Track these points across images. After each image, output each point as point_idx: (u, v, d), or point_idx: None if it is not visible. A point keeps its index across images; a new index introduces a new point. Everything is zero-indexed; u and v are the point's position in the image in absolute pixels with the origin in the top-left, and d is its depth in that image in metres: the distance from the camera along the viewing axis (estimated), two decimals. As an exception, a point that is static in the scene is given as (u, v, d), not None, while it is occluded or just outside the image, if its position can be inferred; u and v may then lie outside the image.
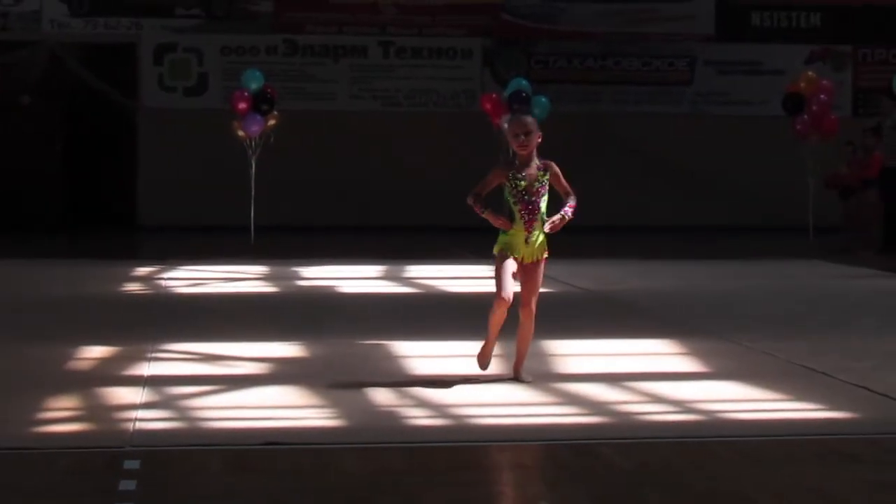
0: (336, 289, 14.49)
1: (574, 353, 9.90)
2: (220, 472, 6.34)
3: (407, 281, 15.35)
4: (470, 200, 8.58)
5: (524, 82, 19.91)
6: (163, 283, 14.81)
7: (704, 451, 6.81)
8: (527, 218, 8.46)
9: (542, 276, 8.63)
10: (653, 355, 9.93)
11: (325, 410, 7.79)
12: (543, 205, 8.50)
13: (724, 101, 24.08)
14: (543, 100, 19.56)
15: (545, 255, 8.59)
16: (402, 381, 8.73)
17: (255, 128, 19.61)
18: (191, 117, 22.60)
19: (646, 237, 21.30)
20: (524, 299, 8.61)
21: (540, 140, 8.62)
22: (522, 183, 8.46)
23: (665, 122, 23.70)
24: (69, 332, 10.77)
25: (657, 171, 23.32)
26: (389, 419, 7.64)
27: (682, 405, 8.00)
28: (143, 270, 15.95)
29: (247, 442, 6.86)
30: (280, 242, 19.62)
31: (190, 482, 6.13)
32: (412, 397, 8.21)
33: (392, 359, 9.65)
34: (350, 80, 23.38)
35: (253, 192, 19.92)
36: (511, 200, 8.50)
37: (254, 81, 19.85)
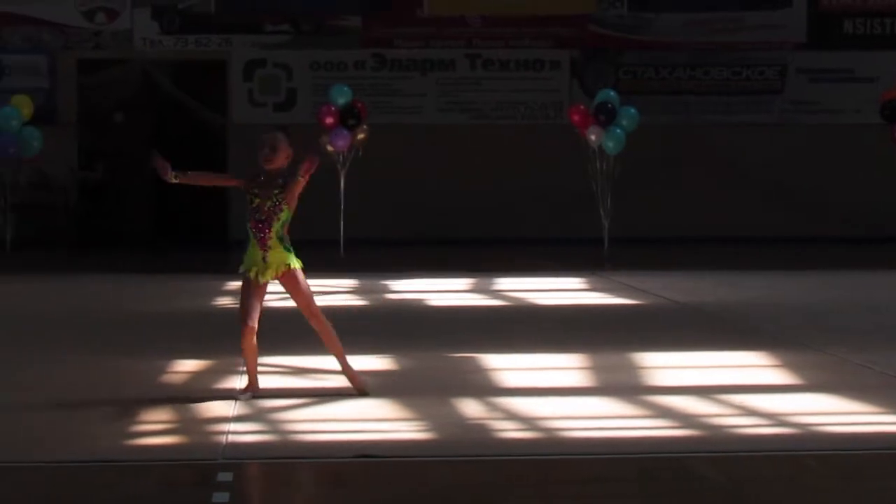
0: (425, 302, 14.51)
1: (665, 366, 9.84)
2: (311, 485, 6.37)
3: (496, 294, 15.33)
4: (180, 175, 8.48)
5: (612, 93, 19.84)
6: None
7: (797, 465, 6.73)
8: (259, 236, 8.39)
9: (303, 284, 8.49)
10: (745, 367, 9.84)
11: (416, 423, 7.79)
12: (278, 224, 8.40)
13: (815, 109, 23.82)
14: (632, 111, 19.48)
15: (295, 266, 8.46)
16: (491, 393, 8.72)
17: (342, 142, 19.69)
18: (282, 133, 22.71)
19: (736, 248, 21.12)
20: (304, 312, 8.58)
21: (289, 158, 8.46)
22: (256, 200, 8.38)
23: (755, 131, 23.49)
24: (162, 346, 10.87)
25: (747, 182, 23.10)
26: (479, 432, 7.63)
27: (774, 418, 7.91)
28: (234, 285, 16.03)
29: (338, 455, 6.88)
30: (369, 256, 19.69)
31: (281, 495, 6.16)
32: (502, 410, 8.20)
33: (482, 371, 9.64)
34: (437, 94, 23.42)
35: (342, 206, 19.99)
36: (247, 215, 8.43)
37: (341, 96, 19.94)
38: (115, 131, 22.93)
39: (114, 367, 9.76)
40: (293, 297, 8.59)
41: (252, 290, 8.42)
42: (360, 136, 19.77)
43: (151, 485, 6.30)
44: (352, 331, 11.99)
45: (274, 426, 7.81)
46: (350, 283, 16.20)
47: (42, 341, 11.28)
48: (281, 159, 8.43)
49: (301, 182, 8.39)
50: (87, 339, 11.44)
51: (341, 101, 19.82)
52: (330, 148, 19.82)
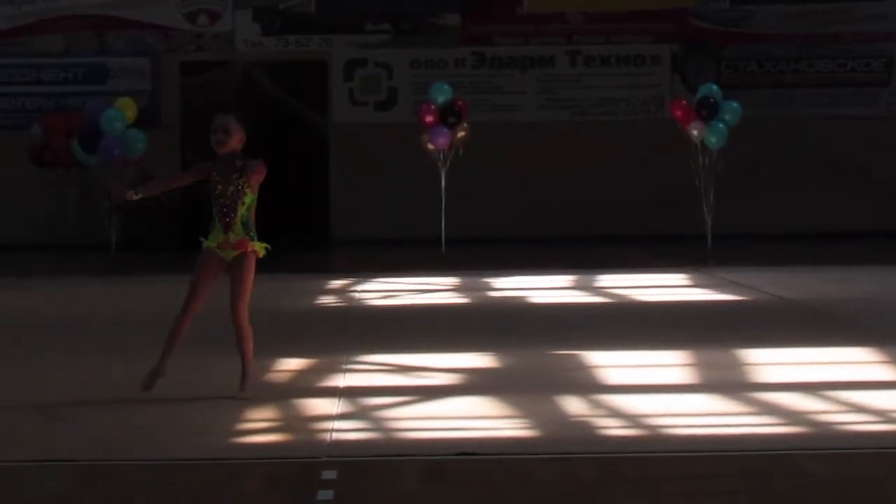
0: (527, 299, 14.48)
1: (771, 363, 9.73)
2: (414, 482, 6.38)
3: (598, 290, 15.25)
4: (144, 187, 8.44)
5: (714, 88, 19.66)
6: (356, 295, 14.97)
7: (907, 462, 6.63)
8: (224, 220, 8.36)
9: (248, 272, 8.49)
10: (852, 364, 9.70)
11: (518, 421, 7.78)
12: (243, 209, 8.37)
13: (922, 101, 23.45)
14: (734, 105, 19.28)
15: (254, 250, 8.47)
16: (594, 390, 8.67)
17: (443, 140, 19.71)
18: (381, 131, 22.82)
19: (842, 243, 20.84)
20: (231, 300, 8.55)
21: (241, 142, 8.39)
22: (218, 187, 8.31)
23: (860, 125, 23.17)
24: (266, 345, 10.93)
25: (852, 176, 22.80)
26: (582, 429, 7.59)
27: (883, 414, 7.80)
28: (336, 283, 16.14)
29: (441, 452, 6.88)
30: (471, 253, 19.68)
31: (385, 492, 6.17)
32: (605, 407, 8.15)
33: (584, 369, 9.60)
34: (538, 91, 23.36)
35: (443, 204, 20.01)
36: (212, 201, 8.34)
37: (441, 95, 19.96)
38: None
39: (218, 366, 9.84)
40: (231, 280, 8.48)
41: (208, 267, 8.43)
42: (461, 134, 19.77)
43: (257, 483, 6.34)
44: (454, 329, 12.01)
45: (377, 423, 7.84)
46: (452, 281, 16.20)
47: (148, 342, 11.40)
48: (234, 142, 8.40)
49: (254, 183, 8.33)
50: (191, 338, 11.52)
51: (441, 99, 19.84)
52: (430, 146, 19.86)
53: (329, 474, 6.40)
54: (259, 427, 7.70)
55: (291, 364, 9.95)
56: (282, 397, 8.46)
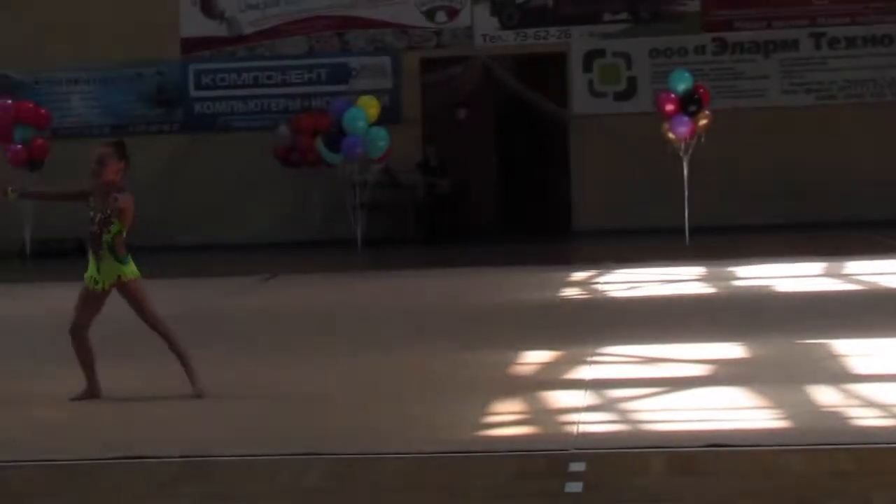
0: (773, 287, 14.21)
1: None
2: (663, 475, 6.32)
3: (846, 277, 14.89)
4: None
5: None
6: (599, 287, 14.92)
7: None
8: (92, 246, 8.46)
9: (135, 294, 8.52)
10: None
11: (768, 411, 7.65)
12: (108, 236, 8.43)
13: None
14: None
15: (126, 277, 8.48)
16: (846, 380, 8.47)
17: (684, 129, 19.51)
18: (621, 122, 22.71)
19: None
20: (146, 323, 8.59)
21: (119, 172, 8.48)
22: (91, 212, 8.45)
23: None
24: (509, 338, 10.99)
25: None
26: (835, 420, 7.43)
27: None
28: (579, 275, 16.11)
29: (690, 444, 6.81)
30: (715, 242, 19.43)
31: (634, 484, 6.14)
32: (858, 397, 7.96)
33: (834, 358, 9.38)
34: (781, 75, 22.92)
35: (686, 193, 19.81)
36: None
37: (681, 83, 19.76)
38: (458, 128, 23.35)
39: (464, 359, 9.93)
40: (130, 306, 8.67)
41: (86, 298, 8.63)
42: (702, 122, 19.54)
43: (505, 475, 6.37)
44: (700, 319, 11.87)
45: (624, 415, 7.80)
46: (696, 270, 16.02)
47: (398, 335, 11.58)
48: (109, 173, 8.55)
49: (120, 211, 8.46)
50: (437, 331, 11.67)
51: (682, 87, 19.64)
52: (671, 135, 19.69)
53: (577, 466, 6.39)
54: (506, 420, 7.74)
55: (537, 357, 9.97)
56: (528, 390, 8.48)
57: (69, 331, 8.63)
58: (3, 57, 23.56)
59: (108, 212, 8.47)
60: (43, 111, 21.85)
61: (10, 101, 21.65)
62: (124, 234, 8.58)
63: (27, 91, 23.26)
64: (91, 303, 8.61)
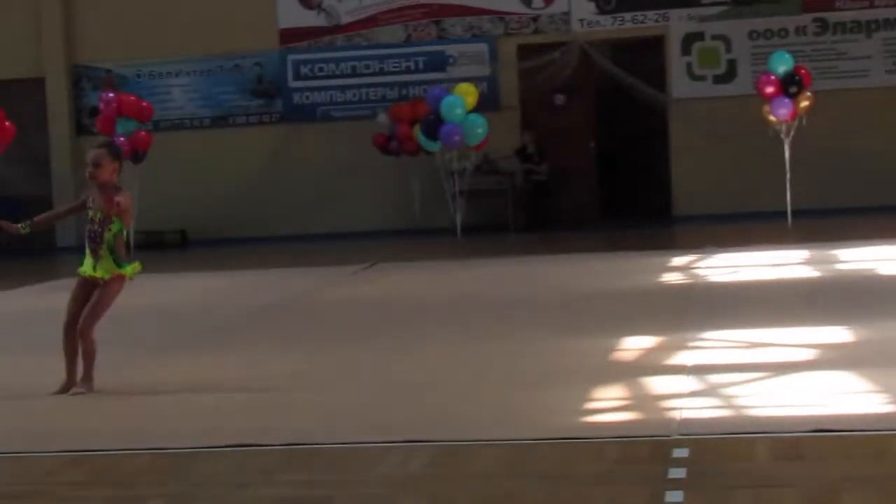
0: (877, 270, 14.01)
1: None
2: (768, 460, 6.26)
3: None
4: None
5: None
6: (701, 271, 14.81)
7: None
8: (91, 246, 8.52)
9: (108, 293, 8.53)
10: None
11: (875, 396, 7.54)
12: (109, 235, 8.50)
13: None
14: None
15: (123, 274, 8.56)
16: (956, 364, 8.33)
17: (784, 111, 19.30)
18: (720, 105, 22.52)
19: None
20: (80, 316, 8.56)
21: (115, 171, 8.56)
22: (90, 212, 8.56)
23: None
24: (611, 324, 10.95)
25: None
26: (945, 404, 7.31)
27: None
28: (680, 260, 16.00)
29: (795, 429, 6.73)
30: (818, 225, 19.21)
31: (738, 470, 6.08)
32: (968, 381, 7.82)
33: (944, 341, 9.23)
34: (884, 55, 22.58)
35: (788, 176, 19.60)
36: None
37: (782, 64, 19.54)
38: (556, 114, 23.29)
39: (565, 346, 9.90)
40: (91, 297, 8.62)
41: (78, 290, 8.67)
42: (804, 103, 19.32)
43: (607, 461, 6.34)
44: (803, 302, 11.75)
45: (727, 401, 7.73)
46: (800, 254, 15.84)
47: (498, 322, 11.58)
48: (105, 174, 8.63)
49: (120, 213, 8.55)
50: (537, 318, 11.65)
51: (782, 69, 19.43)
52: (772, 118, 19.49)
53: (680, 452, 6.34)
54: (608, 406, 7.71)
55: (638, 342, 9.91)
56: (630, 376, 8.44)
57: (64, 324, 8.70)
58: (106, 51, 23.88)
59: (108, 213, 8.59)
60: (145, 104, 22.10)
61: (112, 95, 21.93)
62: (125, 234, 8.72)
63: (130, 84, 23.56)
64: (82, 296, 8.67)
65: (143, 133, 21.86)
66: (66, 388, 8.66)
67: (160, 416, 7.95)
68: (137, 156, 21.80)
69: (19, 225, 8.91)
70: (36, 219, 9.01)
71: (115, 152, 8.75)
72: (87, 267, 8.65)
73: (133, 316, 12.68)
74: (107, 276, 8.57)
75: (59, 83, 23.92)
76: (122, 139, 21.56)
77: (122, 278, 8.65)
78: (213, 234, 23.14)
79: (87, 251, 8.68)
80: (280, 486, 6.23)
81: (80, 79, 24.12)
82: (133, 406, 8.34)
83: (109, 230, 8.60)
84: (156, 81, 23.97)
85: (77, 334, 8.58)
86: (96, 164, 8.63)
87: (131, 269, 8.69)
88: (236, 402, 8.31)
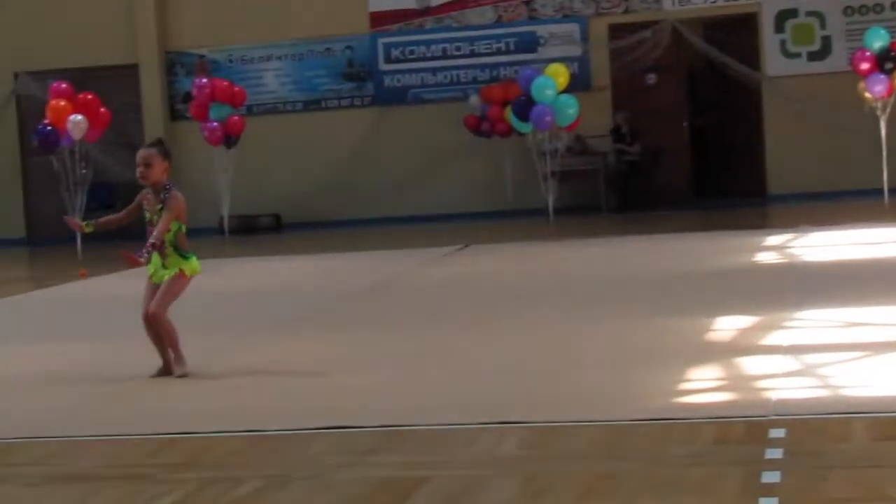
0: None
1: None
2: (866, 441, 6.20)
3: None
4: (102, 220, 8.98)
5: None
6: (796, 250, 14.67)
7: None
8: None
9: (173, 286, 8.64)
10: None
11: (976, 375, 7.44)
12: (170, 235, 8.60)
13: None
14: None
15: (183, 270, 8.65)
16: None
17: (880, 87, 19.05)
18: (815, 82, 22.26)
19: None
20: (150, 307, 8.66)
21: (166, 171, 8.60)
22: (148, 214, 8.64)
23: None
24: (705, 304, 10.88)
25: None
26: None
27: None
28: (774, 239, 15.86)
29: (893, 409, 6.66)
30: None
31: (836, 450, 6.03)
32: None
33: None
34: (983, 28, 22.20)
35: (885, 154, 19.35)
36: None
37: (877, 40, 19.28)
38: (648, 93, 23.15)
39: (660, 326, 9.86)
40: (156, 291, 8.73)
41: (147, 289, 8.77)
42: (900, 79, 19.06)
43: (703, 442, 6.31)
44: (901, 281, 11.61)
45: (824, 381, 7.66)
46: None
47: (592, 302, 11.56)
48: (156, 174, 8.68)
49: (174, 215, 8.66)
50: (631, 299, 11.62)
51: (877, 45, 19.17)
52: (868, 94, 19.25)
53: (777, 433, 6.30)
54: (704, 387, 7.67)
55: (733, 322, 9.85)
56: (725, 356, 8.39)
57: (142, 317, 8.79)
58: (199, 37, 24.08)
59: (161, 215, 8.66)
60: (237, 89, 22.29)
61: (206, 81, 22.13)
62: (184, 230, 8.79)
63: (222, 70, 23.75)
64: (149, 294, 8.77)
65: (235, 118, 22.06)
66: (163, 373, 8.78)
67: (256, 398, 8.03)
68: (230, 141, 22.01)
69: (84, 223, 9.11)
70: (100, 220, 9.15)
71: (164, 152, 8.78)
72: (154, 270, 8.73)
73: (228, 299, 12.81)
74: (175, 271, 8.68)
75: (153, 69, 24.15)
76: (215, 124, 21.78)
77: (183, 274, 8.73)
78: (306, 217, 23.29)
79: (155, 253, 8.75)
80: (376, 467, 6.27)
81: (174, 65, 24.35)
82: (230, 388, 8.42)
83: (169, 230, 8.71)
84: (248, 66, 24.13)
85: (153, 323, 8.71)
86: (147, 165, 8.70)
87: (191, 267, 8.75)
88: (331, 384, 8.37)
